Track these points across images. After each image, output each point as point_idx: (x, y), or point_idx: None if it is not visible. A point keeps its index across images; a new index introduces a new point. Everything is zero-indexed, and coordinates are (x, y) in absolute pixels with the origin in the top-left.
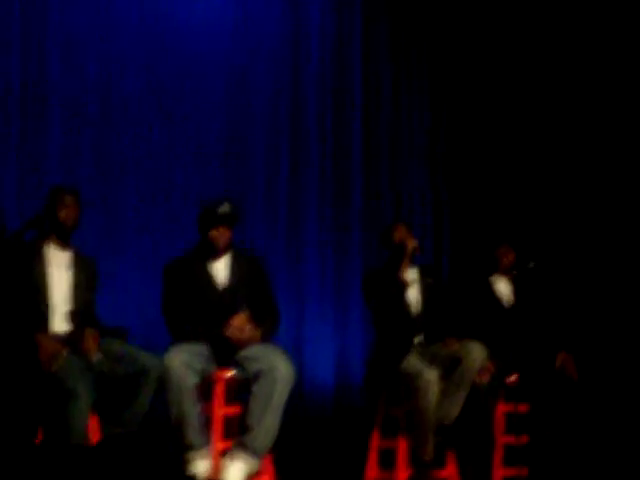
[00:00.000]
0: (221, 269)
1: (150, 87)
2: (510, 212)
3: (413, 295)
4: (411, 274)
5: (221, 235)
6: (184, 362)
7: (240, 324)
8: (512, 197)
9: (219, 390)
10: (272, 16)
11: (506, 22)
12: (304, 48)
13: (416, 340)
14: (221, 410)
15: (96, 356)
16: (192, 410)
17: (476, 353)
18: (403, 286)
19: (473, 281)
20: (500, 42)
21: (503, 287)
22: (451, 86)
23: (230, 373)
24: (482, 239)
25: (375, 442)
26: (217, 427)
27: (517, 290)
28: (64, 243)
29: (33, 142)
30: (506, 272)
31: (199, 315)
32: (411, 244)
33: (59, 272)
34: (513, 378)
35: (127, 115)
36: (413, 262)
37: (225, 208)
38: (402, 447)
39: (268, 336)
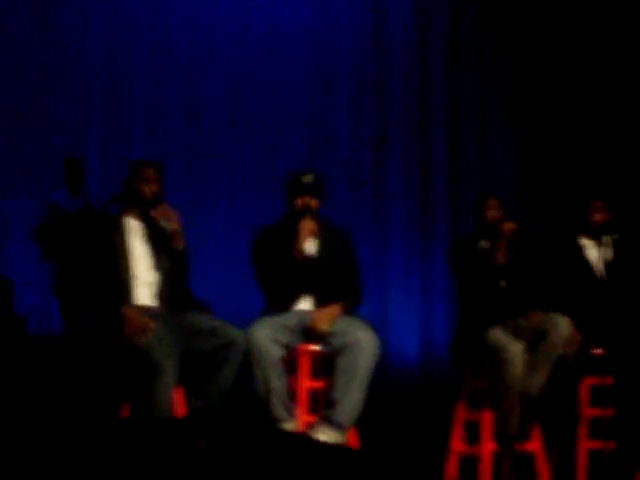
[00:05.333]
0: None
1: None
2: (602, 172)
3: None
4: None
5: (305, 204)
6: (269, 335)
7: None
8: (602, 157)
9: (304, 364)
10: None
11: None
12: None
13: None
14: (306, 384)
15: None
16: (278, 383)
17: (562, 326)
18: (499, 270)
19: (560, 243)
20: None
21: (593, 252)
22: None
23: (315, 347)
24: (571, 196)
25: (460, 415)
26: (302, 401)
27: (610, 257)
28: (146, 215)
29: (119, 103)
30: (595, 234)
31: (288, 284)
32: (508, 228)
33: (140, 243)
34: (599, 351)
35: (214, 85)
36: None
37: (308, 178)
38: (487, 420)
39: (350, 310)
